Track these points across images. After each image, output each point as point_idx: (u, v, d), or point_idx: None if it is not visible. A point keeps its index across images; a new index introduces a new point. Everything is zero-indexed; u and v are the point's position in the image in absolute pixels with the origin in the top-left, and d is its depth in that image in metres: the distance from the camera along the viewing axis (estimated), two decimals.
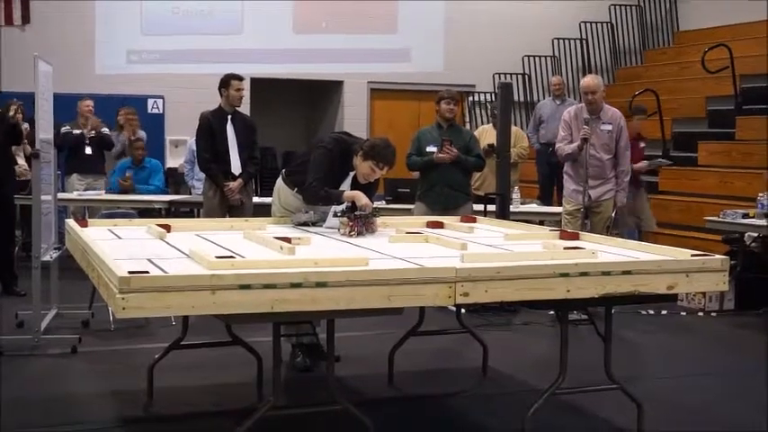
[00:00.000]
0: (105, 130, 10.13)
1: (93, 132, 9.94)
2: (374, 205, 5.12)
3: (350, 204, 5.02)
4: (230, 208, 7.64)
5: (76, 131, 9.88)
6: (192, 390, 5.25)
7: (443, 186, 7.37)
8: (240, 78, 7.71)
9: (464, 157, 7.38)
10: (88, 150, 9.94)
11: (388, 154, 5.16)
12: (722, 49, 11.18)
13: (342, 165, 5.28)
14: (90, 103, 10.11)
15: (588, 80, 7.54)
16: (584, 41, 14.11)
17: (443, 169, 7.34)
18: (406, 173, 7.82)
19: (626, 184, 7.54)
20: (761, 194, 8.14)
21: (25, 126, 9.22)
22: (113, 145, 10.23)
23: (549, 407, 4.24)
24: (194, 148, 8.55)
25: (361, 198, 5.01)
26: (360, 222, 4.91)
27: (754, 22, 12.48)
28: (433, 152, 7.38)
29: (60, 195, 8.35)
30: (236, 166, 7.65)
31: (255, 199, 8.23)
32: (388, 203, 8.77)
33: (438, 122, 7.55)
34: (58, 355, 5.89)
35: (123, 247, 4.33)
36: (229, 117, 7.63)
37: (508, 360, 5.94)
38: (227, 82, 7.65)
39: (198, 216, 8.80)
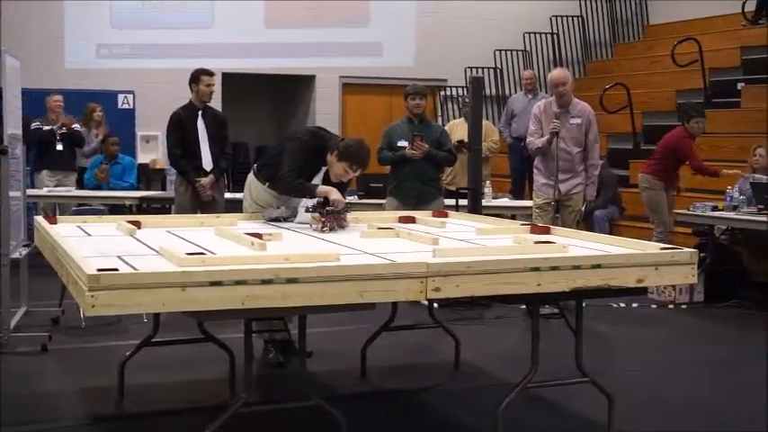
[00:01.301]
0: (76, 126, 10.04)
1: (64, 128, 9.84)
2: (346, 200, 5.13)
3: (321, 200, 5.02)
4: (202, 204, 7.61)
5: (46, 128, 9.79)
6: (163, 387, 5.23)
7: (414, 181, 7.37)
8: (210, 74, 7.67)
9: (435, 152, 7.38)
10: (59, 147, 9.83)
11: (363, 156, 5.18)
12: (691, 43, 11.27)
13: (315, 159, 5.28)
14: (59, 98, 10.02)
15: (556, 73, 7.56)
16: (555, 36, 14.16)
17: (414, 164, 7.34)
18: (377, 168, 7.82)
19: (595, 177, 7.57)
20: (729, 187, 8.23)
21: None
22: (84, 141, 10.14)
23: (521, 400, 4.26)
24: None
25: (334, 193, 5.01)
26: (331, 218, 4.91)
27: (722, 15, 12.59)
28: (404, 147, 7.37)
29: (29, 192, 8.29)
30: (207, 162, 7.61)
31: (227, 195, 8.20)
32: (360, 198, 8.79)
33: (408, 117, 7.55)
34: (27, 353, 5.84)
35: (93, 245, 4.30)
36: (200, 112, 7.59)
37: (480, 354, 5.97)
38: (197, 77, 7.61)
39: (170, 212, 8.75)
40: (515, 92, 12.46)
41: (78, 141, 10.03)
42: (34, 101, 10.18)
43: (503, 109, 11.98)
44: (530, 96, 10.82)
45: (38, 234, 4.99)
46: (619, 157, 11.23)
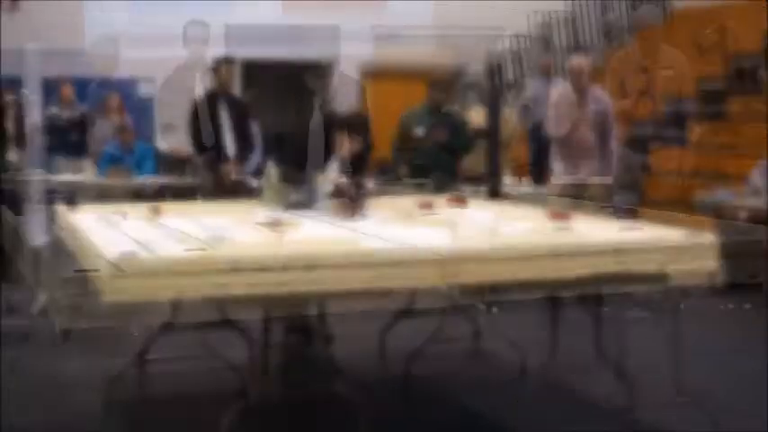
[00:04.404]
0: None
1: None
2: (365, 185, 5.13)
3: (340, 186, 5.02)
4: (223, 190, 7.63)
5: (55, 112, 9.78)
6: (183, 372, 5.25)
7: (433, 169, 7.35)
8: (230, 61, 7.70)
9: (454, 141, 7.36)
10: (73, 135, 9.85)
11: (356, 119, 5.16)
12: (713, 28, 11.16)
13: (325, 146, 5.29)
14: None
15: (576, 61, 7.53)
16: (573, 21, 14.06)
17: (432, 152, 7.32)
18: None
19: (613, 163, 7.56)
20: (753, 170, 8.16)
21: None
22: (86, 127, 10.12)
23: (540, 387, 4.25)
24: None
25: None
26: (350, 204, 4.91)
27: (744, 0, 12.44)
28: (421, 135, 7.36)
29: (50, 179, 8.32)
30: (228, 149, 7.65)
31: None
32: (377, 185, 8.78)
33: (427, 104, 7.51)
34: (50, 339, 5.88)
35: (113, 231, 4.32)
36: (221, 99, 7.63)
37: (499, 340, 5.95)
38: (217, 65, 7.64)
39: (191, 199, 8.77)
40: (533, 78, 12.39)
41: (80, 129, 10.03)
42: (54, 90, 10.22)
43: (521, 95, 11.92)
44: (547, 82, 10.76)
45: (58, 221, 5.01)
46: (639, 143, 11.14)
